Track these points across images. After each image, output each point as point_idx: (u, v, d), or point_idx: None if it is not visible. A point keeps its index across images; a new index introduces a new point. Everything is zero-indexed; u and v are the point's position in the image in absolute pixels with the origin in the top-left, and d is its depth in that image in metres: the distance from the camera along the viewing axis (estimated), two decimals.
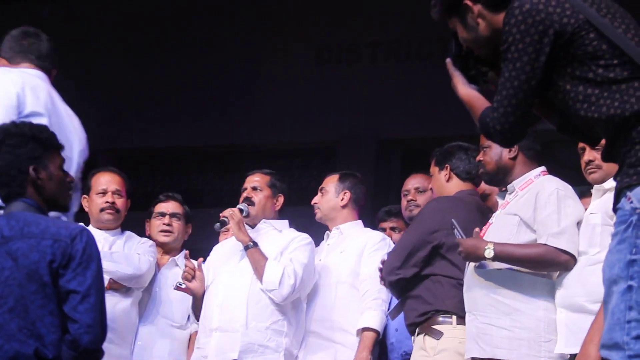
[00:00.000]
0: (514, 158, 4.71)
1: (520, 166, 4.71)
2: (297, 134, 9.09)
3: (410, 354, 5.11)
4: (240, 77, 9.22)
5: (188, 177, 9.81)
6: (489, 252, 4.43)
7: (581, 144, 4.50)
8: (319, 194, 5.63)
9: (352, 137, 8.85)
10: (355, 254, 5.41)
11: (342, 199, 5.57)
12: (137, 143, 9.52)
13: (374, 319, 5.29)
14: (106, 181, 5.57)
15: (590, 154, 4.45)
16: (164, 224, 5.68)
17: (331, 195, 5.58)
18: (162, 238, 5.67)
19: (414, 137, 8.59)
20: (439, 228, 4.88)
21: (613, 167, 4.32)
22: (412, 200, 5.53)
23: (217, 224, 5.38)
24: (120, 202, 5.55)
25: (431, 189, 5.28)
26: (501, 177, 4.72)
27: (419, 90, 8.55)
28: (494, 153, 4.71)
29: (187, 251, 5.49)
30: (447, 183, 5.12)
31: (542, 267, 4.47)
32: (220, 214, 5.38)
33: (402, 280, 4.92)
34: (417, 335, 4.90)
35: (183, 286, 5.46)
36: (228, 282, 5.30)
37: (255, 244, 5.27)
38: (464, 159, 5.12)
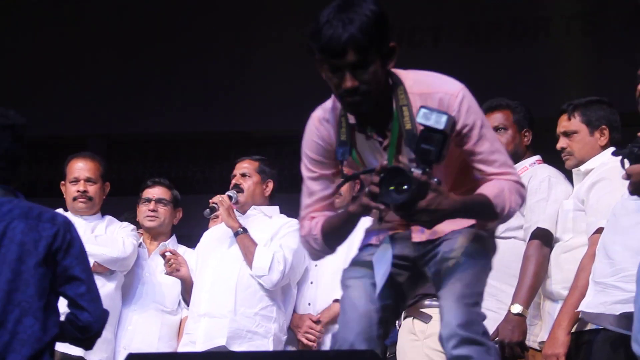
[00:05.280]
0: (529, 146, 4.74)
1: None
2: (286, 122, 9.09)
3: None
4: (231, 65, 9.23)
5: (178, 163, 9.83)
6: (517, 309, 4.40)
7: (559, 131, 4.55)
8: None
9: None
10: (357, 241, 5.44)
11: None
12: (128, 129, 9.53)
13: None
14: (78, 169, 5.56)
15: (563, 142, 4.50)
16: (149, 209, 5.69)
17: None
18: (148, 223, 5.69)
19: None
20: None
21: (585, 154, 4.42)
22: None
23: (207, 210, 5.40)
24: (93, 190, 5.54)
25: None
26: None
27: None
28: (510, 136, 4.73)
29: (165, 248, 5.50)
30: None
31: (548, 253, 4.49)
32: (210, 201, 5.40)
33: None
34: (405, 319, 4.93)
35: None
36: (217, 268, 5.31)
37: (244, 230, 5.28)
38: None
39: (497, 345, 4.38)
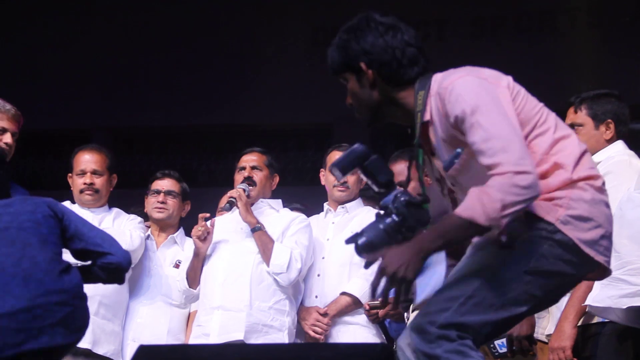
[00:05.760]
0: None
1: None
2: (292, 115, 9.11)
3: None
4: (237, 58, 9.24)
5: (183, 156, 9.84)
6: None
7: (566, 123, 4.53)
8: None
9: (347, 119, 8.84)
10: None
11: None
12: (133, 121, 9.55)
13: (354, 286, 5.33)
14: (85, 161, 5.56)
15: None
16: (158, 201, 5.69)
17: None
18: (156, 214, 5.69)
19: None
20: None
21: (590, 147, 4.40)
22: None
23: (227, 205, 5.38)
24: (99, 182, 5.55)
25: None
26: None
27: None
28: None
29: (207, 214, 5.49)
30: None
31: None
32: (229, 194, 5.39)
33: None
34: (413, 311, 4.92)
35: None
36: (230, 261, 5.31)
37: (262, 227, 5.30)
38: None
39: (504, 339, 4.38)
